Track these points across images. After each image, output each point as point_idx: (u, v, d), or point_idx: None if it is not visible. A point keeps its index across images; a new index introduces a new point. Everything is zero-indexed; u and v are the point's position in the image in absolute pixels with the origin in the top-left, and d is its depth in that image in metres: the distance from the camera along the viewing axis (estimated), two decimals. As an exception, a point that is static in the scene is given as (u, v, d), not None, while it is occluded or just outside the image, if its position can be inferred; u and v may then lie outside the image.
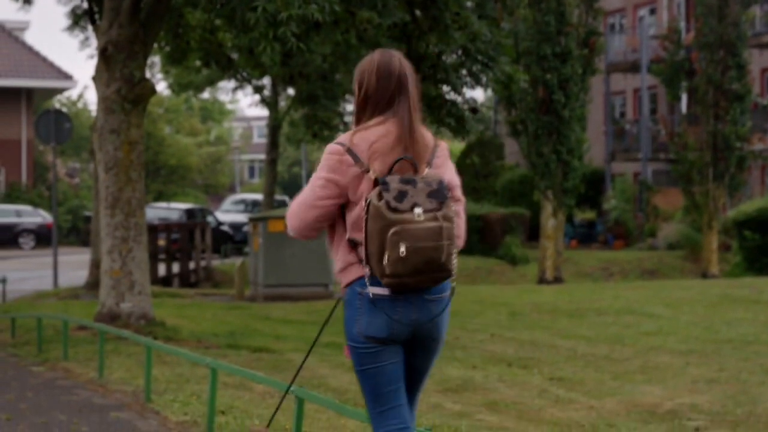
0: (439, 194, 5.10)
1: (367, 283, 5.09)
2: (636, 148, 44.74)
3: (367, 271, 5.08)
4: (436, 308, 5.28)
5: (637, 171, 45.74)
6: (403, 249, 4.95)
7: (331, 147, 5.21)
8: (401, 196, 5.02)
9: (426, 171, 5.20)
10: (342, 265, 5.24)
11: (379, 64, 5.28)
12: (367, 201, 5.04)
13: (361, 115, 5.29)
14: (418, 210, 5.01)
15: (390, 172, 5.13)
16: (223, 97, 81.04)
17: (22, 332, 17.19)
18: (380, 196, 5.01)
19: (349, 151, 5.15)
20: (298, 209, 5.26)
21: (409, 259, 4.98)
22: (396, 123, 5.22)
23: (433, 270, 5.07)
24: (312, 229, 5.29)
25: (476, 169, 47.87)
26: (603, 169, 46.32)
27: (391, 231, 4.96)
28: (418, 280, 5.07)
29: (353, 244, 5.18)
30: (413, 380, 5.39)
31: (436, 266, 5.06)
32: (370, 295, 5.09)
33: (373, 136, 5.18)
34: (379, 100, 5.25)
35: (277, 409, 6.13)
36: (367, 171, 5.12)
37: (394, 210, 4.98)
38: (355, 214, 5.17)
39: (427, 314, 5.26)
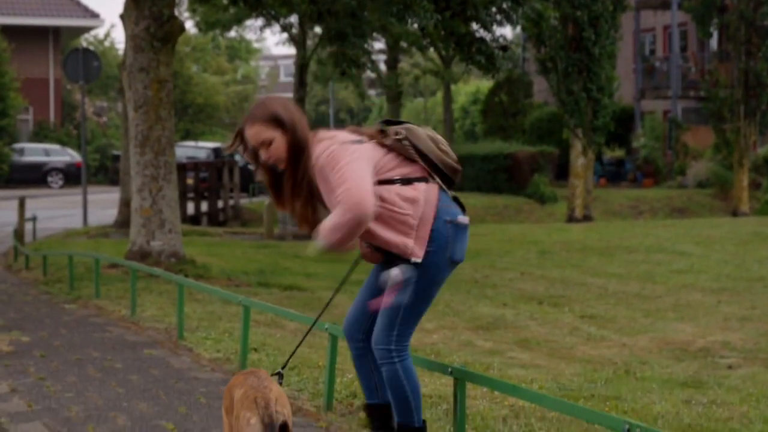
0: None
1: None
2: (666, 86, 44.38)
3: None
4: None
5: (667, 109, 45.40)
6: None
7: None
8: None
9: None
10: (417, 200, 5.56)
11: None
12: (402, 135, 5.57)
13: None
14: None
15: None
16: (251, 35, 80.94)
17: (54, 270, 17.27)
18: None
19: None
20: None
21: None
22: None
23: None
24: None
25: (504, 108, 47.62)
26: (632, 107, 46.00)
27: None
28: None
29: (408, 181, 5.56)
30: None
31: None
32: (465, 222, 5.63)
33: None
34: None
35: (298, 345, 6.13)
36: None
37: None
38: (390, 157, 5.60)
39: None
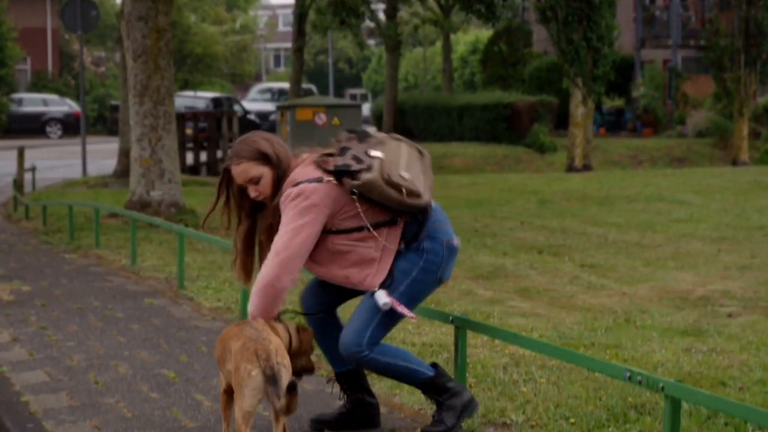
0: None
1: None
2: (666, 35, 44.17)
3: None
4: None
5: (667, 58, 45.23)
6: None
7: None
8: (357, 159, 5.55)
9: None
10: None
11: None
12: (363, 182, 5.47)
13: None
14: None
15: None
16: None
17: (54, 220, 17.26)
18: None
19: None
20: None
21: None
22: None
23: None
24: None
25: (504, 57, 47.43)
26: (632, 57, 45.80)
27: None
28: None
29: (365, 229, 5.58)
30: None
31: None
32: (458, 245, 5.75)
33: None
34: None
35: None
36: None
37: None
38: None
39: None
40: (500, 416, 6.11)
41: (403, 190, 5.47)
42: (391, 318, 5.59)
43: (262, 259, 5.68)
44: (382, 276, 5.56)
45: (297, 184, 5.48)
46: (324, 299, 5.88)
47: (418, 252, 5.61)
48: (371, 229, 5.51)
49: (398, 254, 5.60)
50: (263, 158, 5.56)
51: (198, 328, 8.78)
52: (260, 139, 5.64)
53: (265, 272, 5.47)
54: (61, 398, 6.70)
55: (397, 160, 5.53)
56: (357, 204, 5.48)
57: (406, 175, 5.50)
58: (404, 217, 5.58)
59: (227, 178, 5.68)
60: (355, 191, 5.45)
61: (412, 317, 5.56)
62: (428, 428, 5.72)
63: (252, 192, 5.61)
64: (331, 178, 5.50)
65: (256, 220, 5.74)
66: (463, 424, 5.81)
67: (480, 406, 6.21)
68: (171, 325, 8.92)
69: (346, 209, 5.52)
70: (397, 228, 5.59)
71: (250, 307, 5.54)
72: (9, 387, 7.03)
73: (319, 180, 5.48)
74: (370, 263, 5.56)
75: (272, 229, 5.61)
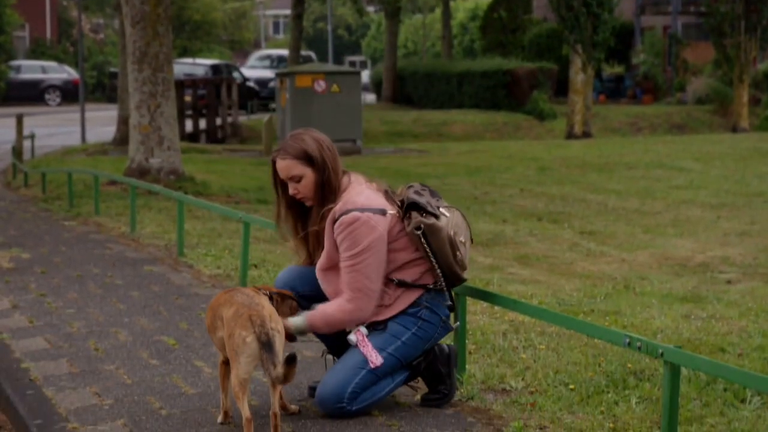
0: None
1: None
2: (666, 1, 44.02)
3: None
4: None
5: (667, 24, 45.09)
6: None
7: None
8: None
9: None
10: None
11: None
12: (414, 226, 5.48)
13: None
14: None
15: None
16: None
17: (53, 187, 17.25)
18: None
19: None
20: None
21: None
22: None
23: None
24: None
25: (503, 24, 47.26)
26: (632, 23, 45.66)
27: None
28: None
29: (406, 285, 5.60)
30: None
31: None
32: (452, 327, 5.79)
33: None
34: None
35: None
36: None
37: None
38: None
39: None
40: (500, 382, 6.12)
41: (458, 255, 5.55)
42: (374, 376, 5.50)
43: (312, 246, 5.67)
44: (376, 319, 5.56)
45: (348, 211, 5.43)
46: (310, 281, 5.79)
47: (414, 318, 5.57)
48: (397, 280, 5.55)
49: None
50: (307, 159, 5.50)
51: (198, 295, 8.79)
52: (310, 139, 5.55)
53: (349, 305, 5.47)
54: (61, 365, 6.71)
55: (458, 229, 5.58)
56: (410, 241, 5.50)
57: (463, 245, 5.61)
58: (430, 281, 5.58)
59: (275, 169, 5.64)
60: (421, 227, 5.45)
61: (375, 364, 5.47)
62: (429, 396, 5.75)
63: (291, 189, 5.56)
64: (395, 211, 5.51)
65: (301, 214, 5.70)
66: (459, 379, 5.93)
67: (479, 373, 6.23)
68: (170, 292, 8.92)
69: (395, 258, 5.53)
70: (417, 292, 5.57)
71: (317, 320, 5.52)
72: (9, 354, 7.04)
73: (383, 212, 5.46)
74: (381, 309, 5.56)
75: (319, 236, 5.59)
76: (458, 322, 5.97)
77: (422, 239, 5.47)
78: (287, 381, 4.98)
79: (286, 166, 5.53)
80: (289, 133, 5.65)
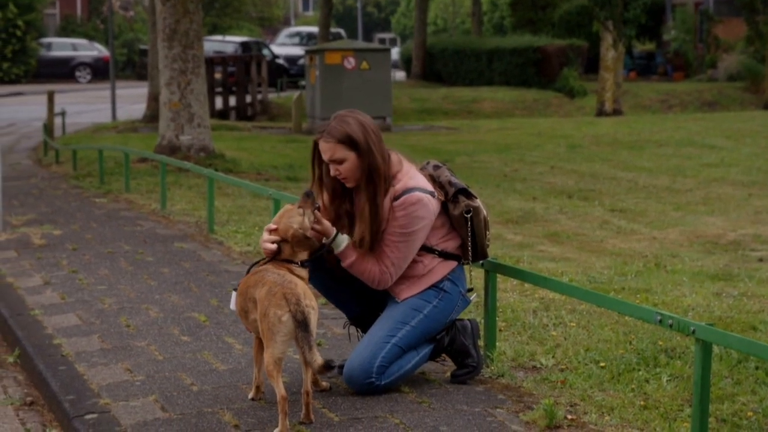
0: None
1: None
2: (698, -23, 43.76)
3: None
4: None
5: (699, 0, 44.79)
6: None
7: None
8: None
9: None
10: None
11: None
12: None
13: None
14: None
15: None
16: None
17: (84, 164, 17.32)
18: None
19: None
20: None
21: None
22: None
23: None
24: None
25: (533, 0, 47.07)
26: (663, -1, 45.42)
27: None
28: None
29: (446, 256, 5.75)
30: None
31: None
32: (471, 299, 5.90)
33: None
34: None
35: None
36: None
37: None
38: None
39: None
40: (530, 360, 6.11)
41: (488, 234, 5.83)
42: (401, 348, 5.56)
43: (344, 225, 5.68)
44: (410, 293, 5.63)
45: (411, 190, 5.50)
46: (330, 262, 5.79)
47: (436, 290, 5.65)
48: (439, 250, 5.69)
49: None
50: (351, 143, 5.47)
51: (228, 272, 8.81)
52: (354, 123, 5.51)
53: (381, 273, 5.56)
54: (93, 341, 6.74)
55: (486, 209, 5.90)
56: (455, 223, 5.68)
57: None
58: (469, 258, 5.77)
59: (317, 150, 5.63)
60: (470, 210, 5.63)
61: None
62: (457, 372, 5.75)
63: (332, 170, 5.55)
64: (440, 194, 5.62)
65: (341, 196, 5.69)
66: (489, 356, 5.97)
67: (510, 350, 6.23)
68: (201, 269, 8.95)
69: (437, 231, 5.66)
70: (451, 264, 5.71)
71: (351, 257, 5.57)
72: (41, 330, 7.08)
73: (432, 194, 5.55)
74: (414, 279, 5.65)
75: (354, 215, 5.63)
76: (476, 295, 6.03)
77: (469, 221, 5.65)
78: (321, 374, 5.04)
79: (330, 149, 5.51)
80: (334, 115, 5.60)
